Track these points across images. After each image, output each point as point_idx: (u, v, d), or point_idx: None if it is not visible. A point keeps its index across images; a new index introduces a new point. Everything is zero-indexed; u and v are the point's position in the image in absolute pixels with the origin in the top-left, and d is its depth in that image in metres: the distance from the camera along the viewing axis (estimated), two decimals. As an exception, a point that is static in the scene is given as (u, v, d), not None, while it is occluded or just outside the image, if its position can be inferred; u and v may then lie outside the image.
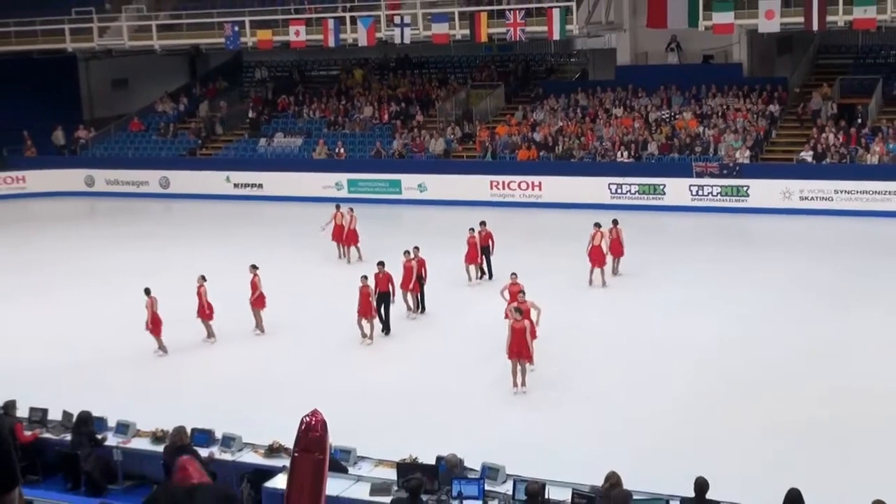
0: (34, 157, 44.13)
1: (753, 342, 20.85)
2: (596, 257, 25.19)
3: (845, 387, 18.16)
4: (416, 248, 23.72)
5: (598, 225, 25.37)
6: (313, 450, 8.56)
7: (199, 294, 21.87)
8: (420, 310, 23.76)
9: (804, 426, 16.52)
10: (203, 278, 21.90)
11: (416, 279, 23.38)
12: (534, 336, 18.85)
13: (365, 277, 21.66)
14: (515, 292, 20.00)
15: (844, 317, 22.30)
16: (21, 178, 42.94)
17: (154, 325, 21.37)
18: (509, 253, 25.84)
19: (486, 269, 26.18)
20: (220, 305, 22.28)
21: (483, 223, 26.37)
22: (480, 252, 25.92)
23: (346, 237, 28.95)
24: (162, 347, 21.54)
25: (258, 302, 22.46)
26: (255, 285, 22.36)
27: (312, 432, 8.69)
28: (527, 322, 18.57)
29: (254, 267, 22.53)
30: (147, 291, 21.36)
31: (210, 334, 22.20)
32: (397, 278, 22.88)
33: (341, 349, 21.55)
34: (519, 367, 18.44)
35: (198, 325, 22.08)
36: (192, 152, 43.28)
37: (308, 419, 8.48)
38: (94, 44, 43.42)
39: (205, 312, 22.01)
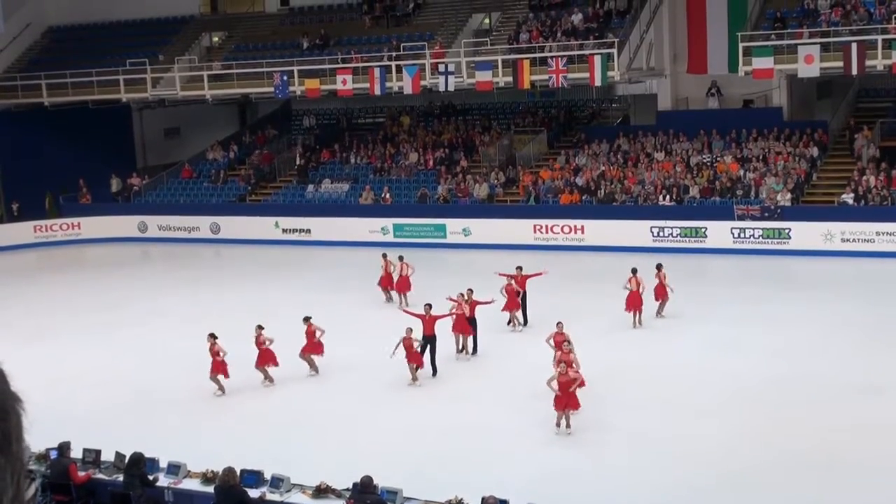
0: (89, 203, 45.16)
1: (794, 381, 21.01)
2: (632, 302, 25.47)
3: (888, 425, 18.32)
4: (470, 291, 24.09)
5: (634, 271, 25.60)
6: None
7: (257, 344, 22.07)
8: (473, 351, 24.08)
9: (845, 464, 16.70)
10: (260, 327, 22.19)
11: (469, 322, 23.73)
12: (581, 385, 18.80)
13: (410, 329, 21.86)
14: (560, 342, 20.21)
15: (886, 356, 22.42)
16: (76, 224, 43.97)
17: (220, 368, 21.69)
18: (552, 295, 26.15)
19: (522, 315, 26.33)
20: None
21: (519, 268, 26.39)
22: (519, 298, 26.07)
23: (397, 284, 29.02)
24: (221, 388, 21.86)
25: (315, 350, 22.75)
26: (310, 335, 22.71)
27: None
28: (572, 373, 18.67)
29: (307, 318, 22.85)
30: (212, 336, 21.67)
31: (266, 377, 22.39)
32: (443, 321, 23.15)
33: (388, 391, 21.86)
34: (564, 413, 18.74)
35: (249, 368, 22.23)
36: (241, 198, 44.13)
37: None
38: (148, 94, 44.63)
39: (264, 360, 22.20)
